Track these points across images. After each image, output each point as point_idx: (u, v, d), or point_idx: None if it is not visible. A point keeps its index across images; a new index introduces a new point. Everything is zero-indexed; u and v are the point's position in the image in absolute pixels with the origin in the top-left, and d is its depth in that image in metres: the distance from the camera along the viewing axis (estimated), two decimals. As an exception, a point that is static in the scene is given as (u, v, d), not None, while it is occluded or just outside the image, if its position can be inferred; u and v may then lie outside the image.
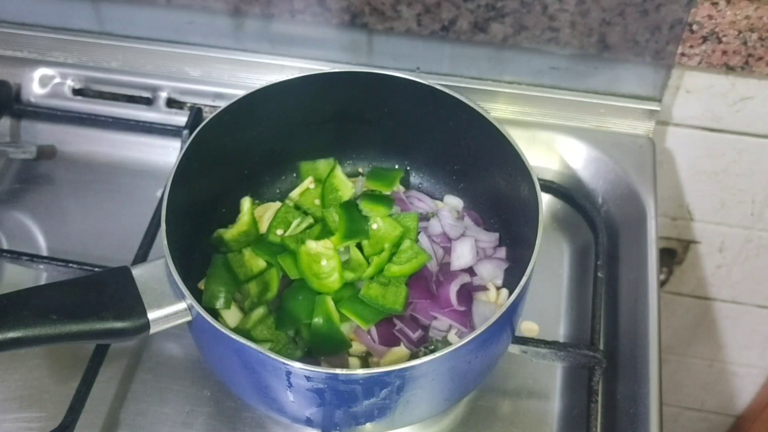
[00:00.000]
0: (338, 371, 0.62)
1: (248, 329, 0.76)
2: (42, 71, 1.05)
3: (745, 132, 1.02)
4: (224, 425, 0.78)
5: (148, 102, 1.04)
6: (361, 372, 0.62)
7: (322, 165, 0.88)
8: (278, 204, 0.86)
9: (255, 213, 0.84)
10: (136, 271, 0.69)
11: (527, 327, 0.85)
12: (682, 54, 0.94)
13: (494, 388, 0.81)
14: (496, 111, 1.00)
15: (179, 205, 0.72)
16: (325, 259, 0.78)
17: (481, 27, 0.94)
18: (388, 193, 0.88)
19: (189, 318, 0.68)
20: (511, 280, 0.82)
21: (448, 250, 0.83)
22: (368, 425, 0.69)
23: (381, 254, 0.79)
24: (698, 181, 1.09)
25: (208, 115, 0.79)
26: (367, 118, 0.87)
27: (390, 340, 0.77)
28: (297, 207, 0.86)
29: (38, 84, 1.05)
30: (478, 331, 0.63)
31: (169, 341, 0.83)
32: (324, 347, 0.76)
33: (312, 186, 0.87)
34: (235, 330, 0.69)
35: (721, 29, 0.90)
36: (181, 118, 1.00)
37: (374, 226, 0.81)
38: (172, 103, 1.04)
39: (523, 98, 1.00)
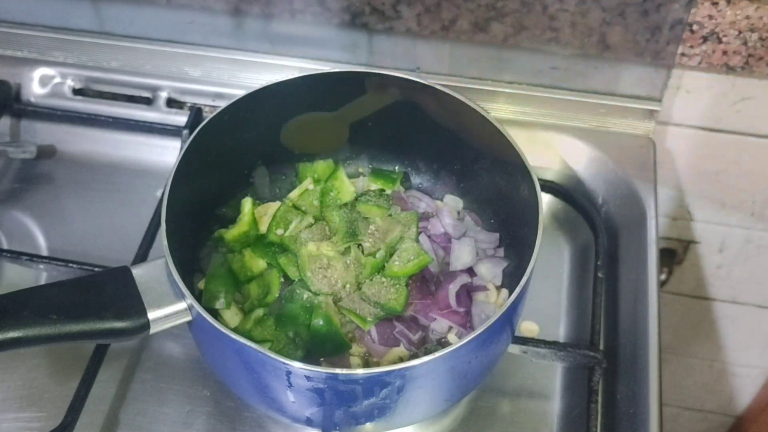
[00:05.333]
0: (338, 371, 0.62)
1: (248, 330, 0.76)
2: (42, 71, 1.05)
3: (745, 132, 1.02)
4: (224, 425, 0.78)
5: (148, 102, 1.04)
6: (360, 372, 0.62)
7: (321, 166, 0.88)
8: (278, 204, 0.86)
9: (255, 213, 0.84)
10: (136, 271, 0.69)
11: (527, 327, 0.85)
12: (682, 54, 0.94)
13: (494, 388, 0.81)
14: (496, 111, 1.00)
15: (179, 205, 0.72)
16: (325, 260, 0.78)
17: (481, 27, 0.94)
18: (388, 192, 0.88)
19: (189, 318, 0.68)
20: (511, 280, 0.82)
21: (448, 250, 0.83)
22: (368, 425, 0.68)
23: (380, 253, 0.79)
24: (698, 181, 1.09)
25: (208, 115, 0.79)
26: (366, 118, 0.87)
27: (390, 340, 0.77)
28: (296, 207, 0.85)
29: (38, 84, 1.05)
30: (477, 331, 0.63)
31: (169, 341, 0.83)
32: (324, 349, 0.76)
33: (311, 187, 0.87)
34: (235, 330, 0.69)
35: (722, 29, 0.91)
36: (181, 118, 1.00)
37: (372, 227, 0.81)
38: (172, 103, 1.04)
39: (523, 98, 1.00)
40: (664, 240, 1.17)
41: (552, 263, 0.92)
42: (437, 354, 0.62)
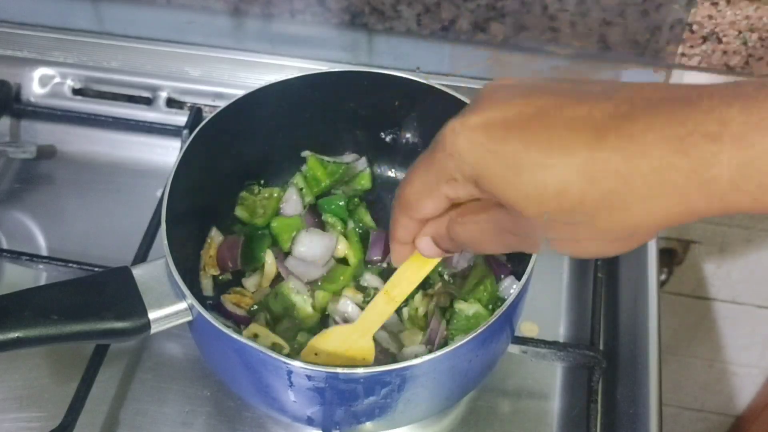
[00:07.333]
0: (339, 370, 0.62)
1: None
2: (42, 71, 1.05)
3: (745, 132, 1.02)
4: (224, 425, 0.78)
5: (148, 102, 1.04)
6: (361, 371, 0.62)
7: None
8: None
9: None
10: (137, 271, 0.69)
11: (527, 327, 0.85)
12: (682, 54, 0.94)
13: (494, 388, 0.81)
14: (496, 111, 1.00)
15: (179, 205, 0.72)
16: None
17: (481, 27, 0.94)
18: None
19: (189, 318, 0.68)
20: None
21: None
22: (368, 424, 0.69)
23: None
24: (698, 181, 1.08)
25: (208, 115, 0.79)
26: (366, 117, 0.87)
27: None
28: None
29: (38, 84, 1.05)
30: (478, 331, 0.63)
31: (169, 341, 0.83)
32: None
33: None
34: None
35: (721, 29, 0.91)
36: (181, 118, 1.00)
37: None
38: (172, 103, 1.04)
39: (523, 98, 0.99)
40: (664, 240, 1.17)
41: (552, 263, 0.92)
42: (437, 353, 0.62)
